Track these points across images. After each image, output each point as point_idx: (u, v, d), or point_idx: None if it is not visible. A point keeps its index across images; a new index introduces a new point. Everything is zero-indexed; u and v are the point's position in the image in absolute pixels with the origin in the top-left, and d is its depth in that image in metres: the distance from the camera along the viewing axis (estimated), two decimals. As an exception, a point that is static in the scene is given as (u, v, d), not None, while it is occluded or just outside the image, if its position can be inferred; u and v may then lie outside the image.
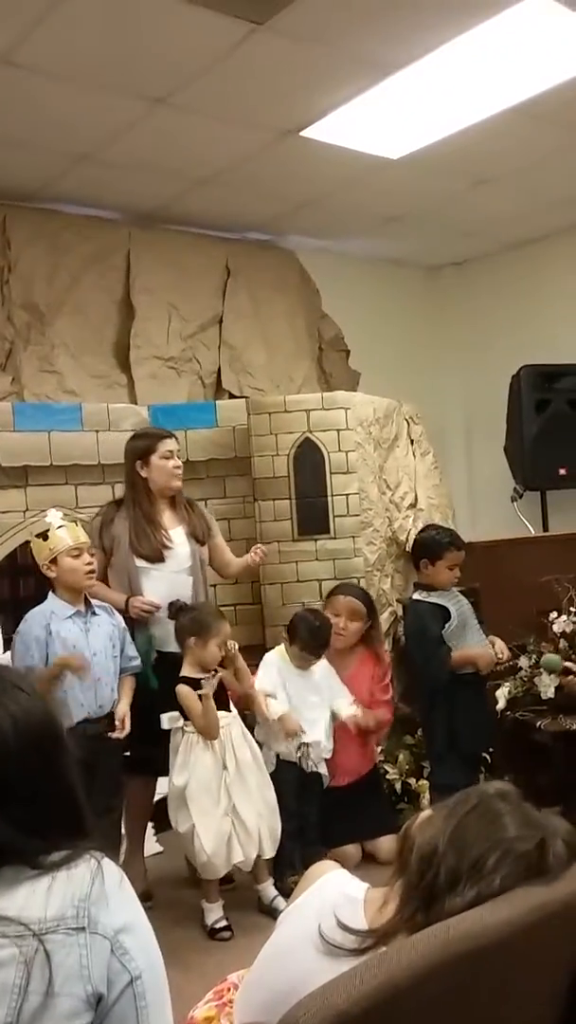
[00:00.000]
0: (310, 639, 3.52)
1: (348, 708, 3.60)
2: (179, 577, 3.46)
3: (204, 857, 3.13)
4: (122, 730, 3.15)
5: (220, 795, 3.15)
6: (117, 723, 3.14)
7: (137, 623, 3.37)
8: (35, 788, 1.11)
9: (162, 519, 3.50)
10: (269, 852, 3.26)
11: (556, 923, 1.21)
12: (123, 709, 3.19)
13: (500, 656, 3.61)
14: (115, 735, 3.13)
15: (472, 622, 3.58)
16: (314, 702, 3.56)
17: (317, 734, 3.53)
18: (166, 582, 3.42)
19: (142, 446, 3.51)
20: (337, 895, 1.32)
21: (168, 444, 3.49)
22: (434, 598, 3.55)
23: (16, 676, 1.18)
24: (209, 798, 3.15)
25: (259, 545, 3.69)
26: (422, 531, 3.86)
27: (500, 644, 3.65)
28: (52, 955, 1.01)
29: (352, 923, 1.25)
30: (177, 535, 3.49)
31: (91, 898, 1.06)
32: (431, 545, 3.61)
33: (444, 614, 3.51)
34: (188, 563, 3.48)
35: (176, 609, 3.33)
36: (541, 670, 3.65)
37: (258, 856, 3.24)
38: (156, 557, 3.41)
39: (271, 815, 3.27)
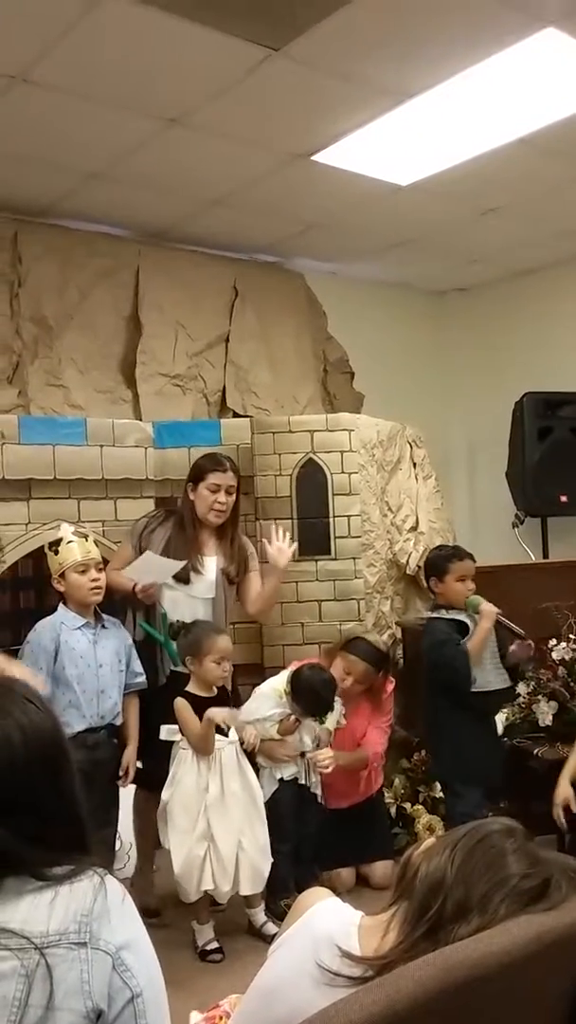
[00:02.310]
0: (315, 705, 3.47)
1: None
2: (200, 602, 3.47)
3: (175, 877, 3.11)
4: (126, 780, 3.20)
5: (198, 817, 3.08)
6: (120, 772, 3.18)
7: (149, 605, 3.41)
8: (40, 799, 1.11)
9: (202, 544, 3.50)
10: (246, 890, 3.18)
11: (555, 952, 1.21)
12: (129, 754, 3.21)
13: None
14: (121, 784, 3.18)
15: (489, 642, 3.50)
16: (307, 743, 3.50)
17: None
18: (186, 603, 3.45)
19: (197, 468, 3.52)
20: (331, 923, 1.30)
21: (215, 477, 3.45)
22: (451, 614, 3.47)
23: (26, 689, 1.19)
24: (186, 818, 3.09)
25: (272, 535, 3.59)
26: (427, 553, 3.81)
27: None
28: (53, 969, 1.01)
29: (351, 952, 1.23)
30: (210, 563, 3.49)
31: (93, 913, 1.06)
32: (435, 562, 3.59)
33: (462, 628, 3.43)
34: (211, 593, 3.48)
35: (176, 630, 3.34)
36: (539, 697, 3.64)
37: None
38: (183, 578, 3.41)
39: (257, 853, 3.16)
